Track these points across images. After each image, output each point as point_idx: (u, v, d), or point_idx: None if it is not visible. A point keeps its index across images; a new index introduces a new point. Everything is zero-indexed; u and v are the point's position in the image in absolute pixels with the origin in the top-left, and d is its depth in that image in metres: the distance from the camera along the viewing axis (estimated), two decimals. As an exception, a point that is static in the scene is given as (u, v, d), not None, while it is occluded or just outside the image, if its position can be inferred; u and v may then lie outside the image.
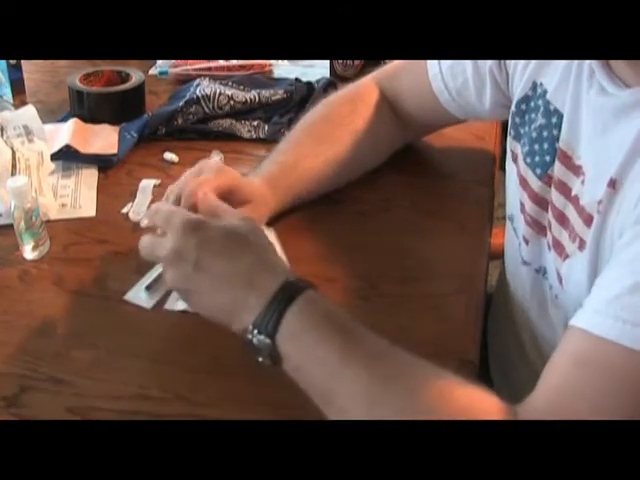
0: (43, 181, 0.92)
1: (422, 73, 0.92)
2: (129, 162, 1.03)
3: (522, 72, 0.81)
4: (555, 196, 0.75)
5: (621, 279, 0.57)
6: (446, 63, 0.90)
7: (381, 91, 0.97)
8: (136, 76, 1.15)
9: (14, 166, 0.90)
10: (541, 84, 0.78)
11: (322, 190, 0.91)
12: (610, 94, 0.67)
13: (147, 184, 0.98)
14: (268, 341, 0.61)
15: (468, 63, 0.88)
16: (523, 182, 0.81)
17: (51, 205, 0.91)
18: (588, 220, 0.68)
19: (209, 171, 0.80)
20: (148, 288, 0.78)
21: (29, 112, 0.97)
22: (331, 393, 0.60)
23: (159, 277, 0.77)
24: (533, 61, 0.79)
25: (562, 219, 0.74)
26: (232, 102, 1.13)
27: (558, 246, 0.75)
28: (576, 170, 0.72)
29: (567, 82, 0.73)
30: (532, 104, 0.79)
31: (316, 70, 1.27)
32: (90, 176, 1.00)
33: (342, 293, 0.80)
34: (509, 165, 0.86)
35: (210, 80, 1.19)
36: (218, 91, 1.13)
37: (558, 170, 0.74)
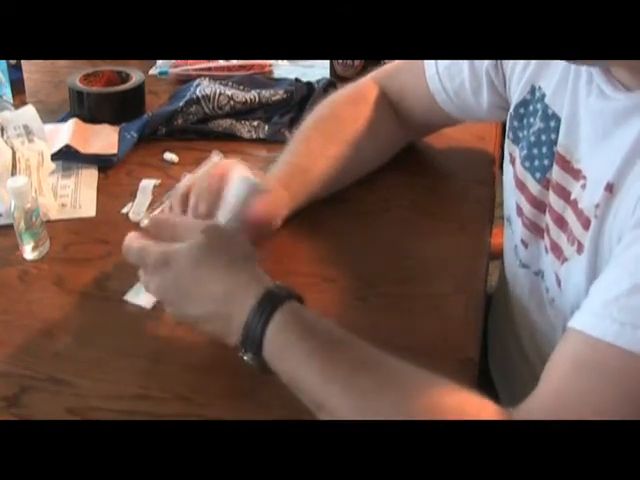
0: (43, 181, 0.92)
1: (420, 74, 0.92)
2: (129, 162, 1.03)
3: (520, 75, 0.80)
4: (554, 199, 0.75)
5: (619, 281, 0.57)
6: (443, 64, 0.90)
7: (382, 90, 0.97)
8: (136, 76, 1.15)
9: (14, 166, 0.90)
10: (539, 88, 0.78)
11: (331, 190, 0.92)
12: (610, 98, 0.66)
13: (147, 184, 0.98)
14: (256, 359, 0.63)
15: (465, 64, 0.88)
16: (520, 185, 0.81)
17: (51, 205, 0.91)
18: (586, 223, 0.68)
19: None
20: (148, 288, 0.78)
21: (29, 112, 0.97)
22: (321, 407, 0.60)
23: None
24: (531, 64, 0.79)
25: (561, 222, 0.74)
26: (232, 102, 1.13)
27: (556, 249, 0.75)
28: (575, 174, 0.72)
29: (565, 86, 0.73)
30: (531, 108, 0.79)
31: (316, 70, 1.27)
32: (90, 176, 1.00)
33: (341, 293, 0.80)
34: (506, 167, 0.86)
35: (210, 80, 1.19)
36: (218, 91, 1.13)
37: (557, 174, 0.74)
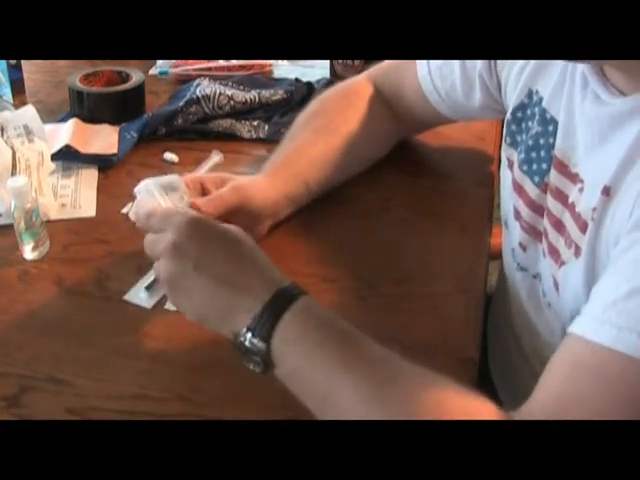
0: (43, 181, 0.92)
1: (413, 73, 0.92)
2: (129, 162, 1.03)
3: (516, 80, 0.80)
4: (552, 203, 0.75)
5: (617, 286, 0.57)
6: (435, 64, 0.90)
7: (375, 87, 0.97)
8: (136, 76, 1.15)
9: (14, 166, 0.90)
10: (537, 92, 0.78)
11: (326, 180, 0.91)
12: (605, 102, 0.66)
13: (147, 184, 0.98)
14: (262, 344, 0.61)
15: (456, 65, 0.88)
16: (518, 189, 0.81)
17: (51, 205, 0.91)
18: (583, 227, 0.68)
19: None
20: (148, 288, 0.78)
21: (29, 112, 0.97)
22: (328, 398, 0.60)
23: (159, 277, 0.77)
24: (527, 69, 0.79)
25: (559, 226, 0.74)
26: (232, 102, 1.13)
27: (554, 252, 0.75)
28: (573, 178, 0.72)
29: (561, 90, 0.73)
30: (528, 112, 0.79)
31: (316, 70, 1.27)
32: (90, 176, 1.00)
33: (341, 293, 0.80)
34: (504, 171, 0.86)
35: (210, 80, 1.19)
36: (218, 91, 1.14)
37: (554, 178, 0.74)
